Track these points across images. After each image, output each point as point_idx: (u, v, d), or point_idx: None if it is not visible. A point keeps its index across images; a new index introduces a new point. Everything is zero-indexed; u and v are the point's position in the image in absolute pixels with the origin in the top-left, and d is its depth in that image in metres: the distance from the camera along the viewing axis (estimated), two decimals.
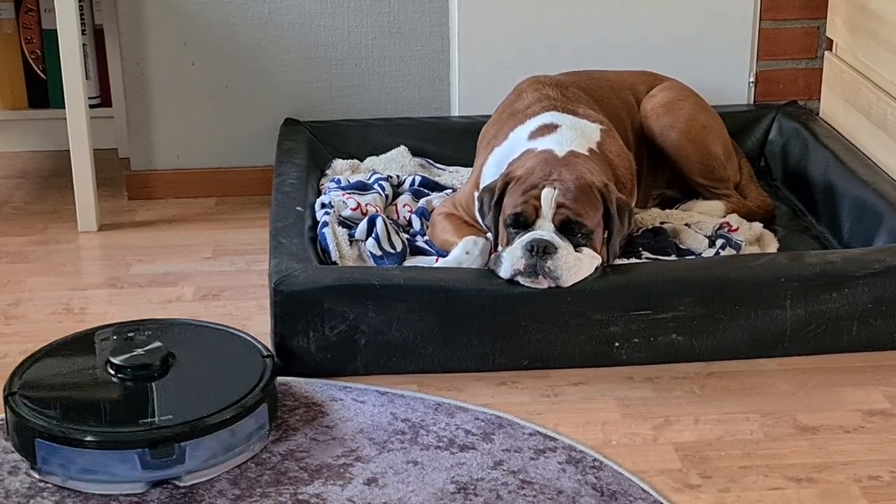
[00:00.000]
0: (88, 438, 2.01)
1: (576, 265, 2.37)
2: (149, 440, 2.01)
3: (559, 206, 2.39)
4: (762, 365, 2.43)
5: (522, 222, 2.41)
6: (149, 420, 2.05)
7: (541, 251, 2.35)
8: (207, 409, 2.07)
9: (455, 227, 2.66)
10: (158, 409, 2.09)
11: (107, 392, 2.15)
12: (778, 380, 2.38)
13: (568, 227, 2.39)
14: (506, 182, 2.48)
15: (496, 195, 2.48)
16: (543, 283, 2.36)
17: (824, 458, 2.13)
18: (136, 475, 2.02)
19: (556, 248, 2.36)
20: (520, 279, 2.37)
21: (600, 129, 2.63)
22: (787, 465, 2.11)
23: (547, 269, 2.35)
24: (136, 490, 2.02)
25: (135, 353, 2.18)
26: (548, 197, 2.40)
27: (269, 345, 2.40)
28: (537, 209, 2.40)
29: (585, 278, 2.38)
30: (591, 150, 2.56)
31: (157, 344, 2.21)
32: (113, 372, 2.17)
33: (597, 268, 2.40)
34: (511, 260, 2.37)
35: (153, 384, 2.15)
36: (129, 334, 2.28)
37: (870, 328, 2.45)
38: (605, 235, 2.44)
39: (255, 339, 2.30)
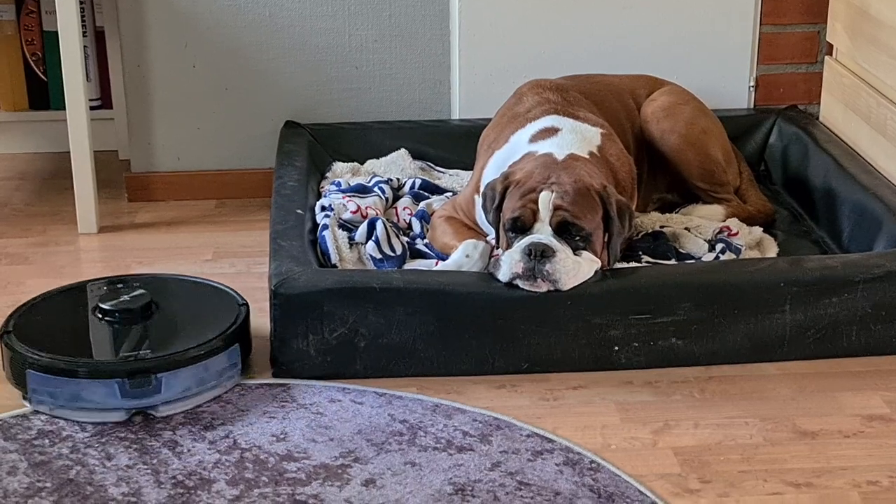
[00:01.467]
0: (73, 369, 2.22)
1: (574, 269, 2.37)
2: (128, 371, 2.22)
3: (556, 208, 2.39)
4: (762, 369, 2.43)
5: (521, 226, 2.41)
6: (129, 354, 2.27)
7: (538, 254, 2.35)
8: (183, 346, 2.29)
9: (455, 231, 2.66)
10: (139, 345, 2.30)
11: (93, 331, 2.39)
12: (777, 384, 2.38)
13: (566, 230, 2.39)
14: (505, 186, 2.48)
15: (496, 199, 2.47)
16: (542, 287, 2.36)
17: (823, 463, 2.13)
18: (117, 403, 2.23)
19: (553, 252, 2.35)
20: (518, 283, 2.37)
21: (601, 132, 2.63)
22: (787, 470, 2.11)
23: (545, 273, 2.35)
24: (116, 418, 2.23)
25: (121, 300, 2.41)
26: (545, 200, 2.40)
27: (269, 347, 2.40)
28: (535, 213, 2.40)
29: (585, 282, 2.38)
30: (591, 154, 2.56)
31: (142, 292, 2.43)
32: (100, 315, 2.39)
33: (596, 271, 2.41)
34: (509, 263, 2.37)
35: (136, 325, 2.37)
36: (119, 285, 2.49)
37: (869, 333, 2.44)
38: (606, 238, 2.44)
39: (233, 290, 2.50)
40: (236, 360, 2.35)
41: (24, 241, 3.04)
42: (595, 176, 2.48)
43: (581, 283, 2.38)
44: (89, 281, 2.56)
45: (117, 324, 2.38)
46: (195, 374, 2.27)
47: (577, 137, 2.59)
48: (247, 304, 2.45)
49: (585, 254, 2.40)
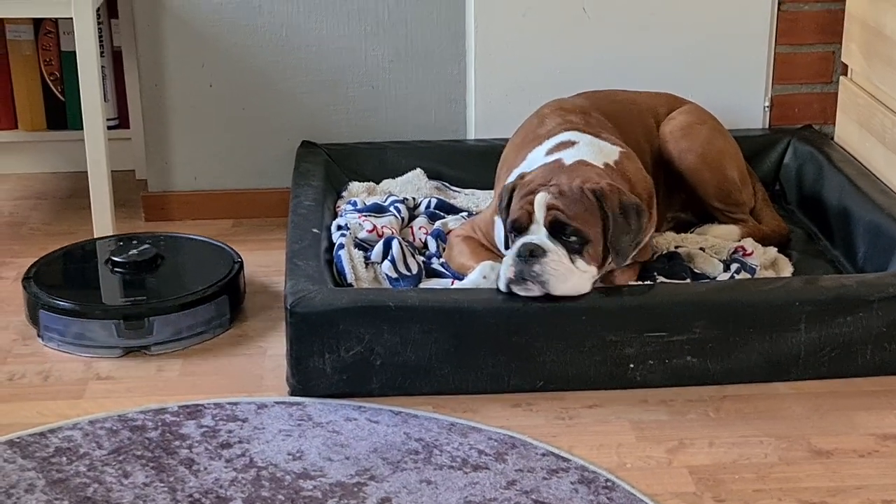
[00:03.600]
0: (78, 310, 2.57)
1: (565, 273, 2.35)
2: (124, 314, 2.56)
3: (550, 208, 2.38)
4: (776, 388, 2.43)
5: (518, 227, 2.41)
6: (127, 300, 2.62)
7: (528, 254, 2.34)
8: (175, 294, 2.63)
9: (472, 251, 2.66)
10: (137, 292, 2.66)
11: (103, 280, 2.76)
12: (792, 403, 2.38)
13: (559, 230, 2.36)
14: (512, 188, 2.48)
15: (505, 201, 2.48)
16: (534, 290, 2.34)
17: (838, 483, 2.13)
18: (114, 342, 2.57)
19: (544, 252, 2.34)
20: (513, 288, 2.37)
21: (620, 150, 2.63)
22: (802, 489, 2.11)
23: (533, 273, 2.33)
24: (113, 355, 2.56)
25: (130, 253, 2.75)
26: (540, 201, 2.40)
27: (286, 366, 2.41)
28: (531, 214, 2.40)
29: (585, 295, 2.37)
30: (605, 165, 2.55)
31: (149, 247, 2.78)
32: (110, 267, 2.74)
33: (593, 283, 2.40)
34: (504, 269, 2.37)
35: (139, 276, 2.72)
36: (133, 241, 2.83)
37: (884, 352, 2.44)
38: (611, 240, 2.40)
39: (232, 249, 2.83)
40: (225, 310, 2.66)
41: None
42: (600, 178, 2.45)
43: (576, 294, 2.37)
44: (105, 237, 2.96)
45: (123, 274, 2.72)
46: (185, 320, 2.59)
47: (593, 150, 2.58)
48: (241, 261, 2.76)
49: (580, 262, 2.38)
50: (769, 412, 2.35)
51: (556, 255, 2.36)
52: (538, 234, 2.39)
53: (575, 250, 2.38)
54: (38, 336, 2.62)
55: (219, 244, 2.88)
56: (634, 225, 2.43)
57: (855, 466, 2.17)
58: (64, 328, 2.57)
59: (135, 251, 2.76)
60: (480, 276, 2.54)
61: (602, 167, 2.53)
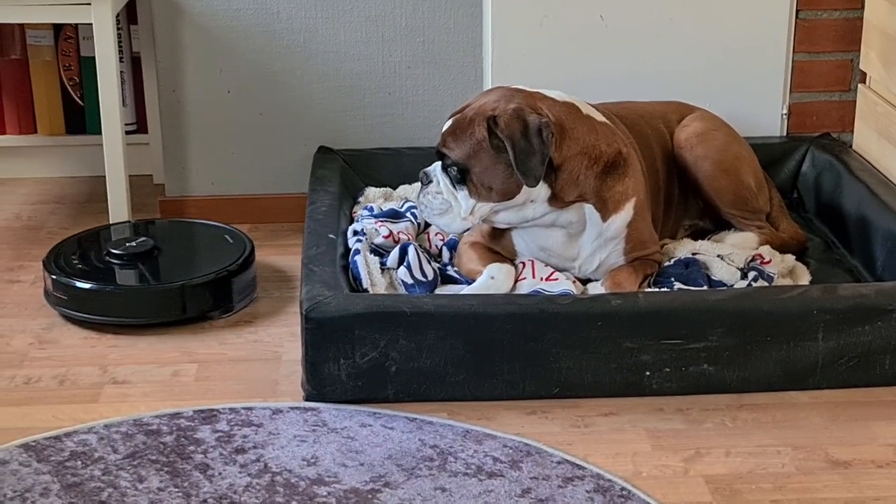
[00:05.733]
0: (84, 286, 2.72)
1: (441, 207, 2.49)
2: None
3: (441, 138, 2.50)
4: (794, 397, 2.42)
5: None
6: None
7: (423, 179, 2.52)
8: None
9: (480, 256, 2.67)
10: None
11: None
12: (810, 412, 2.37)
13: (442, 159, 2.48)
14: None
15: None
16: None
17: (856, 493, 2.11)
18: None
19: (428, 179, 2.49)
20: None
21: (601, 113, 2.63)
22: (819, 500, 2.09)
23: (421, 204, 2.50)
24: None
25: (127, 245, 2.86)
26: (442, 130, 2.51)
27: (301, 371, 2.41)
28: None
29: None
30: (569, 104, 2.55)
31: (145, 239, 2.88)
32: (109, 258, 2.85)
33: (464, 219, 2.50)
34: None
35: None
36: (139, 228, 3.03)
37: None
38: (514, 163, 2.42)
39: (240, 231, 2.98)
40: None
41: None
42: (512, 100, 2.48)
43: (449, 232, 2.60)
44: (118, 223, 3.07)
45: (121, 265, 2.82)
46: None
47: (578, 100, 2.60)
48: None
49: (462, 192, 2.46)
50: (787, 421, 2.34)
51: (438, 186, 2.46)
52: (436, 163, 2.51)
53: (457, 179, 2.46)
54: (52, 305, 2.75)
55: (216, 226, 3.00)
56: (538, 145, 2.43)
57: (873, 477, 2.16)
58: (70, 297, 2.73)
59: (133, 243, 2.86)
60: (489, 277, 2.56)
61: (560, 102, 2.54)
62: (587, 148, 2.52)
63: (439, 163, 2.45)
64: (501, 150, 2.45)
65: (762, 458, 2.22)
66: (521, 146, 2.41)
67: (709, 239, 2.86)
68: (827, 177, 3.12)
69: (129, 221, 3.07)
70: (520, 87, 2.57)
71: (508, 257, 2.66)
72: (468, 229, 2.58)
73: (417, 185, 3.12)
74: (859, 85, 3.26)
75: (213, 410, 2.36)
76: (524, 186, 2.46)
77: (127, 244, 2.85)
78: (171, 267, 2.84)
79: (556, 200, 2.52)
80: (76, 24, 3.50)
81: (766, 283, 2.62)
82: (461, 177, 2.44)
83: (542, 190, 2.49)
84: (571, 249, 2.61)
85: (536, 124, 2.43)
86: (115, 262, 2.82)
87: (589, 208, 2.55)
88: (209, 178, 3.32)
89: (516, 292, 2.56)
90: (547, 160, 2.44)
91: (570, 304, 2.41)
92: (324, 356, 2.37)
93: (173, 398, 2.42)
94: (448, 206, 2.44)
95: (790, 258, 2.78)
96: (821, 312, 2.40)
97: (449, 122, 2.52)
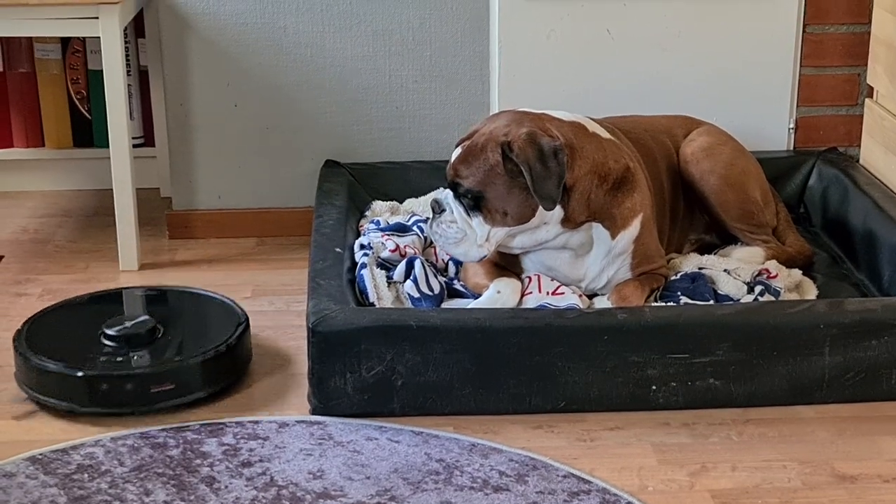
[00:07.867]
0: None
1: (455, 236, 2.46)
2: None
3: (452, 167, 2.47)
4: (800, 412, 2.41)
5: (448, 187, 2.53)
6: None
7: (436, 208, 2.48)
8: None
9: (486, 271, 2.67)
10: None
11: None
12: (816, 427, 2.37)
13: (454, 189, 2.45)
14: None
15: None
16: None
17: None
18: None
19: (441, 208, 2.46)
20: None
21: (607, 132, 2.63)
22: None
23: (434, 234, 2.47)
24: None
25: (124, 325, 2.53)
26: (451, 158, 2.50)
27: (307, 385, 2.41)
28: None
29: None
30: (573, 123, 2.55)
31: (146, 317, 2.56)
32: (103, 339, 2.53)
33: (480, 246, 2.48)
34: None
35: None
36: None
37: None
38: (532, 188, 2.42)
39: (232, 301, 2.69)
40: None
41: (67, 277, 3.07)
42: (522, 124, 2.47)
43: (466, 261, 2.55)
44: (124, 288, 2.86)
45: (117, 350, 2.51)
46: None
47: (583, 118, 2.59)
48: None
49: (477, 219, 2.43)
50: (793, 436, 2.34)
51: (452, 215, 2.44)
52: (447, 192, 2.49)
53: (471, 207, 2.44)
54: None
55: (216, 295, 2.72)
56: (554, 168, 2.43)
57: (879, 492, 2.16)
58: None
59: (129, 322, 2.55)
60: (495, 291, 2.56)
61: (568, 123, 2.54)
62: (596, 166, 2.52)
63: (450, 191, 2.43)
64: (516, 174, 2.44)
65: (768, 473, 2.21)
66: (538, 170, 2.41)
67: (715, 253, 2.86)
68: (833, 191, 3.12)
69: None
70: (525, 109, 2.57)
71: (513, 271, 2.66)
72: (485, 256, 2.56)
73: (424, 198, 3.15)
74: (866, 99, 3.26)
75: (219, 424, 2.36)
76: (538, 209, 2.47)
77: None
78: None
79: (568, 221, 2.53)
80: (84, 38, 3.51)
81: (772, 298, 2.62)
82: (475, 204, 2.44)
83: (556, 211, 2.50)
84: (578, 269, 2.61)
85: (551, 147, 2.44)
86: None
87: (597, 227, 2.56)
88: (216, 192, 3.33)
89: (522, 306, 2.56)
90: (563, 182, 2.44)
91: (577, 318, 2.41)
92: (330, 370, 2.37)
93: (180, 411, 2.43)
94: (463, 235, 2.43)
95: (797, 273, 2.77)
96: (827, 327, 2.39)
97: (458, 151, 2.50)
